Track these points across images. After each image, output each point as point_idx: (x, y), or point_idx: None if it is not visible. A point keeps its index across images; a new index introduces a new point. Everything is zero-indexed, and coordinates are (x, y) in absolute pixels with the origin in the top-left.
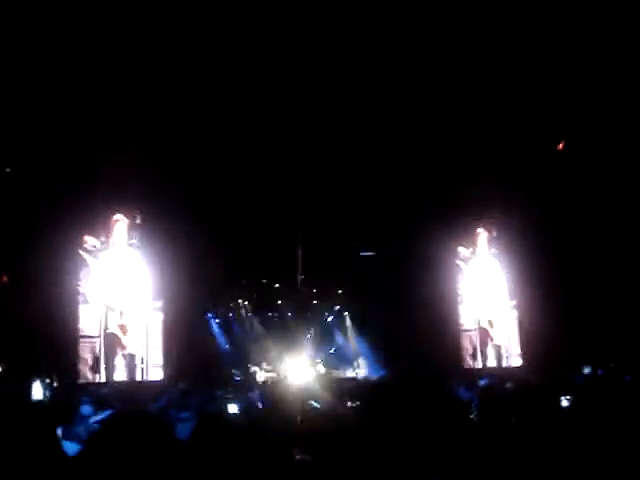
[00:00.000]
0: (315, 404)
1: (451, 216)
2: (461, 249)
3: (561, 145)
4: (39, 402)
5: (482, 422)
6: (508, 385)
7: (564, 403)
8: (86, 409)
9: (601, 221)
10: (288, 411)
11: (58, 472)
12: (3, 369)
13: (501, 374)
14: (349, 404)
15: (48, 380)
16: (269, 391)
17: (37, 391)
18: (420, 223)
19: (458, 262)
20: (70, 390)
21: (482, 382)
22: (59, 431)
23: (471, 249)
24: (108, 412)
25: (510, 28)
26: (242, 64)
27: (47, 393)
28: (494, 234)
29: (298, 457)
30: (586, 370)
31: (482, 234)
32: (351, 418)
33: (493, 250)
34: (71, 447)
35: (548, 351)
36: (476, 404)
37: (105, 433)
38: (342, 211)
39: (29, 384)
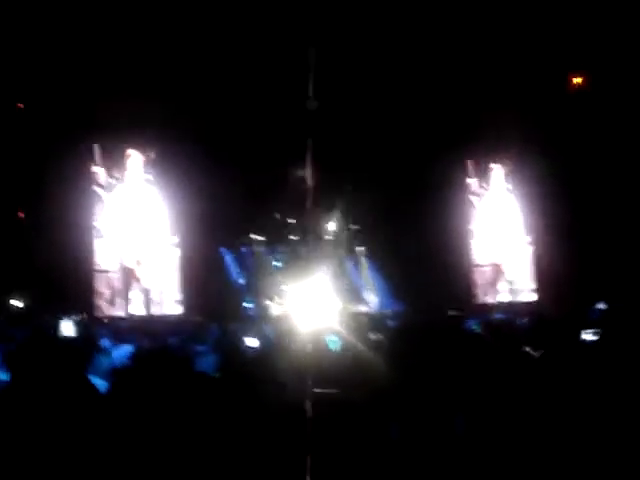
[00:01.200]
0: (333, 338)
1: (466, 150)
2: (476, 183)
3: (580, 79)
4: (70, 338)
5: (494, 357)
6: (522, 320)
7: (585, 337)
8: (106, 342)
9: (619, 157)
10: (304, 345)
11: (90, 409)
12: (23, 304)
13: (514, 309)
14: (372, 336)
15: (77, 317)
16: (283, 325)
17: (67, 328)
18: (433, 159)
19: (471, 197)
20: (90, 324)
21: (496, 317)
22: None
23: (486, 184)
24: (128, 346)
25: None
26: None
27: (77, 329)
28: (510, 169)
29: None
30: (600, 306)
31: (497, 169)
32: (372, 353)
33: (508, 185)
34: (97, 380)
35: (562, 287)
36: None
37: (130, 370)
38: (354, 147)
39: (58, 321)
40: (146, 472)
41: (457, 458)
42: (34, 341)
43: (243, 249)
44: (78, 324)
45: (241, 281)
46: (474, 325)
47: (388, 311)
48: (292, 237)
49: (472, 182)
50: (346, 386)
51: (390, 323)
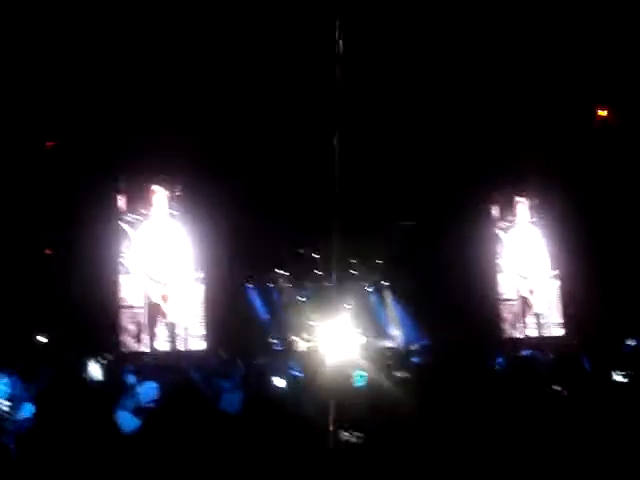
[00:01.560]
0: (361, 374)
1: (491, 184)
2: (501, 217)
3: (603, 112)
4: (97, 382)
5: (517, 392)
6: (549, 356)
7: (615, 376)
8: (131, 378)
9: None
10: (330, 381)
11: (118, 449)
12: (49, 341)
13: (541, 344)
14: (396, 374)
15: (103, 358)
16: (309, 361)
17: (94, 370)
18: (459, 192)
19: (497, 231)
20: (115, 362)
21: (524, 353)
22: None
23: (512, 217)
24: (152, 383)
25: None
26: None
27: (103, 372)
28: (535, 203)
29: (346, 435)
30: (630, 342)
31: (522, 203)
32: (397, 389)
33: (534, 219)
34: (123, 417)
35: (590, 322)
36: (510, 373)
37: (156, 407)
38: (381, 180)
39: (84, 362)
40: None
41: None
42: (60, 381)
43: (269, 284)
44: (103, 364)
45: (267, 317)
46: (500, 362)
47: (414, 346)
48: (317, 272)
49: (498, 216)
50: (372, 422)
51: (415, 359)
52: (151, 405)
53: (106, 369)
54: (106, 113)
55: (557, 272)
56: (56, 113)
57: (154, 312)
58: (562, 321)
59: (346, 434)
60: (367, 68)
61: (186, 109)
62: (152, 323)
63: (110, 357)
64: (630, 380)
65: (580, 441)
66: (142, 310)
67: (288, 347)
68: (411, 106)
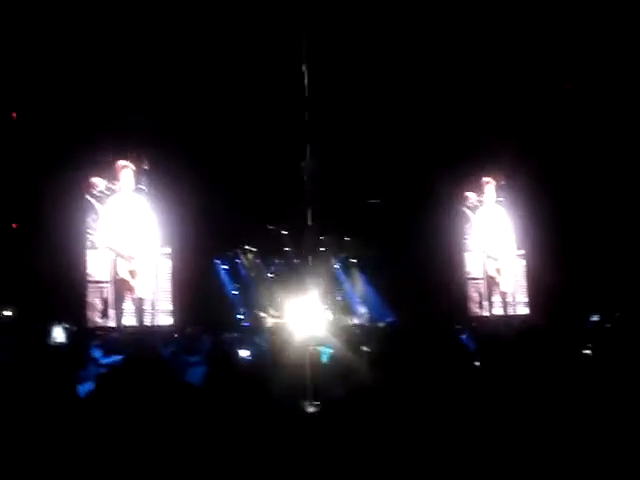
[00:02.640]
0: (326, 349)
1: (459, 164)
2: (469, 196)
3: (567, 90)
4: (59, 346)
5: (485, 368)
6: (514, 332)
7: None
8: (97, 352)
9: (608, 168)
10: (296, 356)
11: (73, 413)
12: (15, 313)
13: (507, 322)
14: (362, 348)
15: (67, 325)
16: (276, 336)
17: (58, 335)
18: (427, 171)
19: (465, 210)
20: (81, 334)
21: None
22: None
23: (479, 197)
24: (118, 357)
25: None
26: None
27: (67, 338)
28: (502, 182)
29: (308, 406)
30: (594, 318)
31: (490, 182)
32: (361, 364)
33: (501, 199)
34: (84, 388)
35: (555, 300)
36: (477, 350)
37: (117, 376)
38: (349, 158)
39: (48, 328)
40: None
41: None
42: (24, 349)
43: (237, 260)
44: (69, 332)
45: (234, 292)
46: (466, 338)
47: (381, 323)
48: (286, 249)
49: (466, 195)
50: (336, 395)
51: (381, 335)
52: (114, 375)
53: (71, 338)
54: (76, 87)
55: (523, 252)
56: (24, 86)
57: (121, 287)
58: (527, 300)
59: (310, 406)
60: (339, 48)
61: (154, 85)
62: (119, 298)
63: (74, 327)
64: (594, 354)
65: (546, 417)
66: (109, 285)
67: (256, 323)
68: (381, 87)
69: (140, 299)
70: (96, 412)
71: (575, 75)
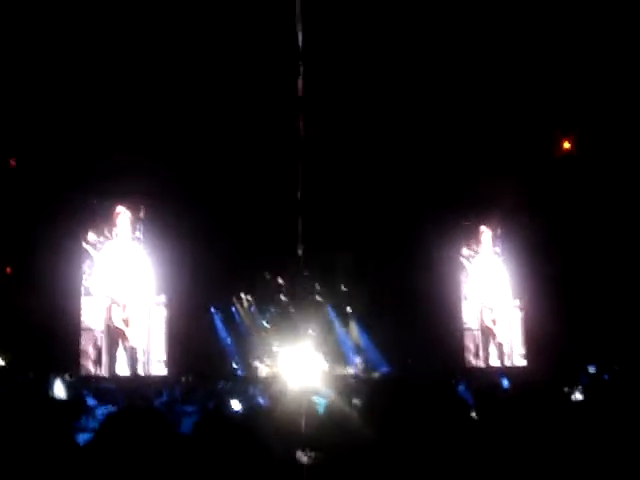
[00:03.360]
0: (320, 400)
1: (455, 214)
2: (465, 247)
3: (567, 144)
4: (55, 396)
5: (482, 421)
6: (510, 384)
7: (577, 396)
8: (91, 401)
9: (605, 221)
10: (290, 407)
11: (71, 464)
12: (6, 361)
13: (504, 373)
14: (354, 401)
15: (65, 375)
16: (270, 386)
17: (58, 388)
18: (423, 221)
19: (462, 260)
20: (76, 383)
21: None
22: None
23: (475, 247)
24: (111, 407)
25: (511, 26)
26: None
27: (63, 388)
28: (498, 233)
29: (302, 456)
30: (591, 369)
31: (486, 232)
32: (356, 415)
33: (497, 249)
34: (81, 438)
35: (551, 351)
36: (473, 403)
37: (111, 427)
38: (345, 208)
39: (46, 380)
40: None
41: None
42: (17, 397)
43: (232, 308)
44: (64, 382)
45: (229, 341)
46: (463, 389)
47: (376, 373)
48: (282, 297)
49: (462, 245)
50: (330, 448)
51: (379, 386)
52: (108, 426)
53: (66, 387)
54: (73, 134)
55: (519, 302)
56: (22, 131)
57: (115, 335)
58: (524, 351)
59: (304, 456)
60: (330, 85)
61: (151, 133)
62: (113, 347)
63: (74, 377)
64: (586, 402)
65: (543, 469)
66: (102, 333)
67: (250, 372)
68: (376, 134)
69: (133, 348)
70: (93, 463)
71: (575, 128)
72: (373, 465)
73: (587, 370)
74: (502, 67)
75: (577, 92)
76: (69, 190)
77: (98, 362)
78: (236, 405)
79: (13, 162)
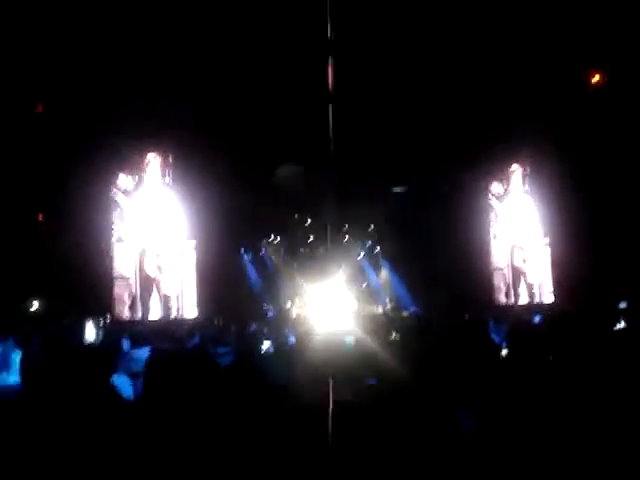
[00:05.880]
0: (349, 339)
1: (485, 153)
2: (495, 186)
3: (597, 78)
4: (93, 344)
5: (513, 358)
6: (539, 319)
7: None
8: (125, 344)
9: (636, 158)
10: (320, 346)
11: (117, 413)
12: (40, 309)
13: (533, 310)
14: (385, 339)
15: (100, 321)
16: (301, 327)
17: (90, 332)
18: (454, 160)
19: (491, 199)
20: (112, 328)
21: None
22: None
23: (505, 186)
24: (146, 348)
25: None
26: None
27: (100, 334)
28: (528, 171)
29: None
30: (622, 305)
31: (516, 171)
32: (385, 354)
33: (527, 187)
34: (120, 381)
35: (581, 288)
36: (506, 341)
37: (152, 370)
38: (375, 146)
39: (81, 324)
40: (167, 472)
41: (464, 456)
42: (55, 343)
43: (262, 250)
44: (100, 327)
45: (260, 283)
46: (494, 328)
47: (405, 313)
48: (312, 238)
49: (493, 184)
50: (360, 386)
51: (407, 324)
52: (145, 369)
53: (101, 331)
54: (101, 81)
55: (548, 240)
56: (49, 75)
57: (148, 283)
58: (553, 289)
59: (335, 397)
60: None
61: (181, 77)
62: (146, 294)
63: (107, 320)
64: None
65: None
66: (135, 280)
67: (281, 313)
68: (406, 74)
69: (167, 295)
70: (131, 405)
71: (603, 62)
72: (402, 405)
73: (618, 306)
74: (531, 1)
75: (607, 25)
76: (98, 136)
77: (132, 309)
78: (267, 346)
79: (40, 107)
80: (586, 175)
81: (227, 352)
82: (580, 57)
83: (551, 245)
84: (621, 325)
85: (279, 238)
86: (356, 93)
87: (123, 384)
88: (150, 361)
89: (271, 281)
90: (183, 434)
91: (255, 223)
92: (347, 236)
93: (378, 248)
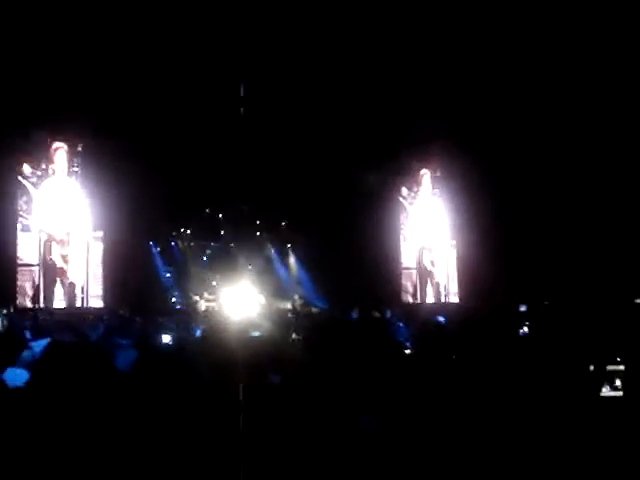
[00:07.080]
0: (256, 334)
1: (396, 155)
2: (405, 188)
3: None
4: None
5: (417, 357)
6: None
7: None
8: (26, 334)
9: (540, 162)
10: (228, 340)
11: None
12: None
13: (437, 310)
14: (293, 336)
15: (2, 310)
16: (208, 320)
17: None
18: (365, 160)
19: (402, 201)
20: (14, 317)
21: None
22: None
23: (415, 188)
24: (46, 340)
25: None
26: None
27: (3, 323)
28: (437, 174)
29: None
30: (522, 308)
31: (426, 174)
32: (293, 350)
33: (436, 190)
34: (13, 372)
35: (485, 290)
36: (412, 339)
37: (45, 363)
38: (287, 146)
39: None
40: (62, 467)
41: (362, 453)
42: None
43: (172, 244)
44: (3, 315)
45: (168, 276)
46: (402, 326)
47: (314, 309)
48: (222, 232)
49: (403, 187)
50: (263, 382)
51: (311, 321)
52: (43, 360)
53: (4, 321)
54: (10, 70)
55: (455, 242)
56: None
57: (53, 272)
58: (459, 290)
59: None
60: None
61: (90, 66)
62: (51, 283)
63: (11, 310)
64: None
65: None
66: (40, 269)
67: (190, 306)
68: (316, 72)
69: (72, 283)
70: (26, 396)
71: (512, 69)
72: (309, 397)
73: (519, 309)
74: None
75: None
76: (5, 125)
77: (36, 298)
78: (168, 338)
79: None
80: (493, 179)
81: (130, 344)
82: (486, 60)
83: (457, 247)
84: (524, 329)
85: (189, 231)
86: (267, 92)
87: (18, 376)
88: (44, 354)
89: (180, 273)
90: (65, 428)
91: (165, 216)
92: (258, 231)
93: (289, 244)
